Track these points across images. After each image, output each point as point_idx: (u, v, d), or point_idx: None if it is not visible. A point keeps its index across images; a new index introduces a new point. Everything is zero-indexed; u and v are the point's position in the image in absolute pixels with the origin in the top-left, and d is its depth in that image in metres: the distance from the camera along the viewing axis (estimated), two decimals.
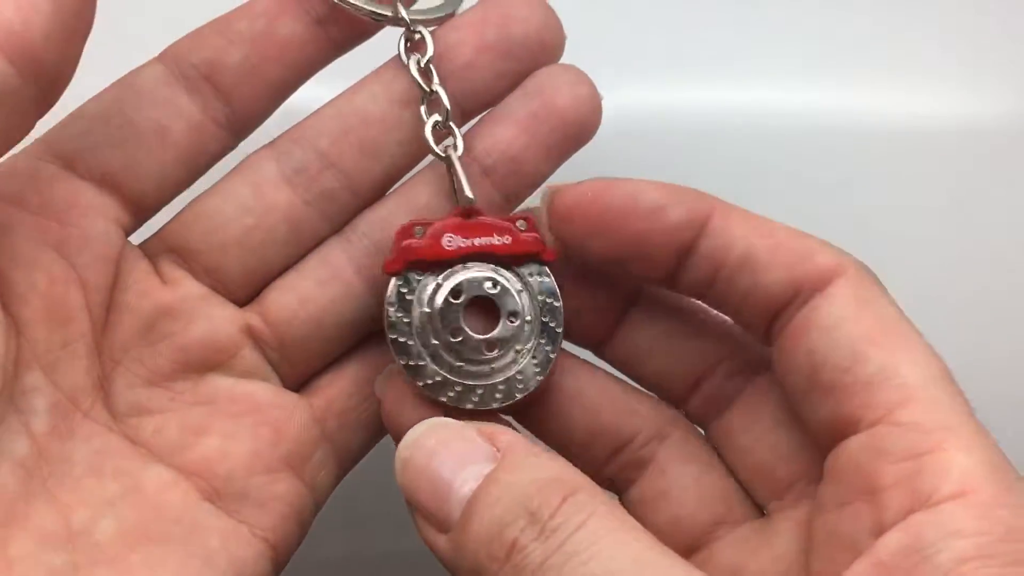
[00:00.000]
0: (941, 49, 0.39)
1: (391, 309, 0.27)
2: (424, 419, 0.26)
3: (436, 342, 0.27)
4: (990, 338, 0.39)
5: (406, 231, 0.27)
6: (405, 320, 0.27)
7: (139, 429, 0.28)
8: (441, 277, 0.27)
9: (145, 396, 0.28)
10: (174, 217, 0.29)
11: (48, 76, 0.24)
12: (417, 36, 0.28)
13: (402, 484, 0.25)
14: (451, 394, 0.27)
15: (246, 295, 0.29)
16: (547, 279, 0.28)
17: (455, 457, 0.25)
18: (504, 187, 0.29)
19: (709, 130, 0.38)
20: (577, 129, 0.29)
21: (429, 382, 0.27)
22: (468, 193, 0.28)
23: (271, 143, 0.29)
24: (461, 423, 0.26)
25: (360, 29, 0.29)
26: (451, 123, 0.28)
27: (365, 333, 0.30)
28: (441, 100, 0.28)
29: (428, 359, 0.27)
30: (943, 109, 0.39)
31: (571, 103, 0.28)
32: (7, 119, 0.23)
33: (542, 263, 0.28)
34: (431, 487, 0.24)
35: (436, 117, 0.28)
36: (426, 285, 0.27)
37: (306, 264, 0.29)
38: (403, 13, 0.28)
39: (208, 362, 0.29)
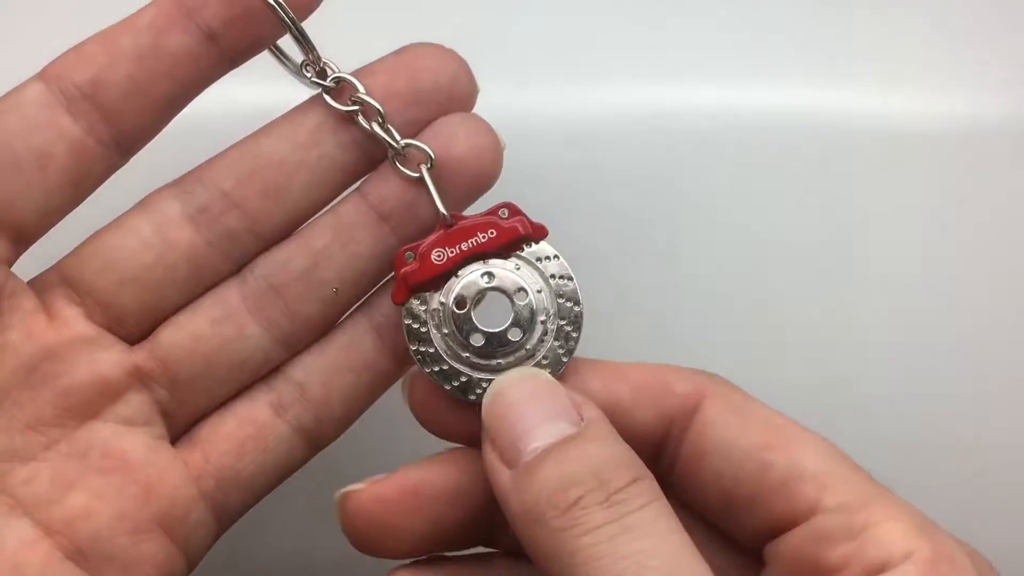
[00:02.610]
0: (941, 49, 0.39)
1: (405, 316, 0.28)
2: (449, 411, 0.28)
3: (447, 331, 0.28)
4: (991, 338, 0.39)
5: (400, 260, 0.28)
6: (421, 308, 0.28)
7: (8, 476, 0.27)
8: (442, 293, 0.28)
9: (20, 442, 0.27)
10: (72, 251, 0.28)
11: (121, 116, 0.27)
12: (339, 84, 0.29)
13: (486, 410, 0.26)
14: (456, 383, 0.28)
15: (140, 333, 0.29)
16: (570, 282, 0.28)
17: (544, 409, 0.26)
18: (401, 233, 0.29)
19: (708, 130, 0.38)
20: (473, 179, 0.29)
21: (436, 369, 0.28)
22: (441, 209, 0.28)
23: (176, 181, 0.29)
24: (559, 383, 0.27)
25: (254, 41, 0.28)
26: (413, 140, 0.29)
27: (253, 377, 0.29)
28: (420, 149, 0.28)
29: (439, 347, 0.28)
30: (943, 109, 0.39)
31: (467, 152, 0.28)
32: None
33: (536, 243, 0.28)
34: (513, 423, 0.26)
35: (394, 144, 0.29)
36: (432, 303, 0.28)
37: (201, 303, 0.29)
38: (332, 69, 0.29)
39: (91, 407, 0.28)
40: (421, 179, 0.28)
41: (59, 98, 0.27)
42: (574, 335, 0.28)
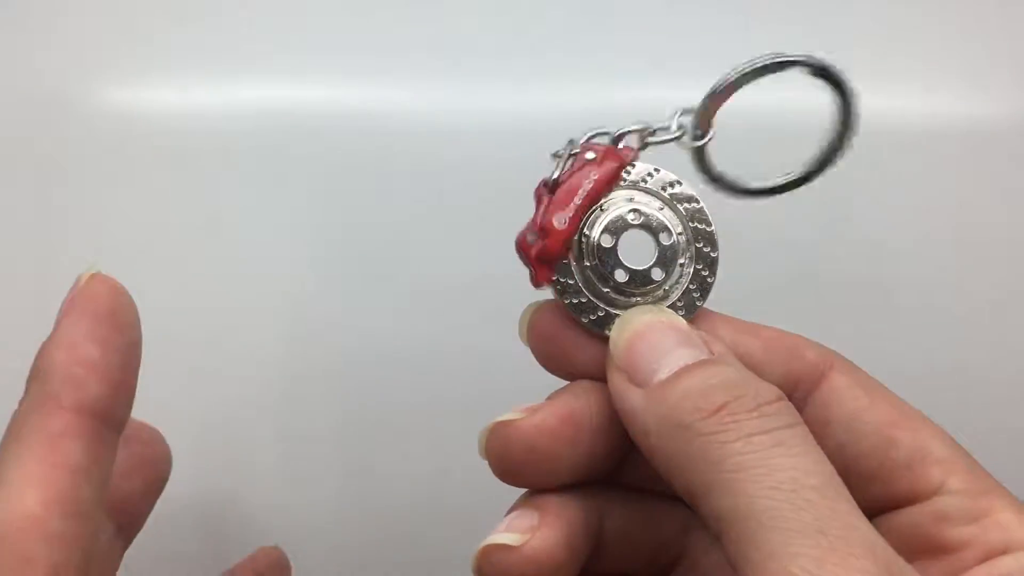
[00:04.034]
0: (941, 49, 0.39)
1: (560, 295, 0.27)
2: (573, 342, 0.27)
3: (588, 264, 0.27)
4: (990, 338, 0.39)
5: (523, 245, 0.27)
6: (564, 261, 0.27)
7: None
8: (586, 225, 0.27)
9: None
10: None
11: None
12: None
13: (615, 338, 0.26)
14: (592, 317, 0.27)
15: None
16: (694, 204, 0.28)
17: (675, 337, 0.25)
18: None
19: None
20: None
21: (575, 302, 0.27)
22: (555, 174, 0.28)
23: None
24: (685, 322, 0.26)
25: None
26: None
27: None
28: None
29: (579, 279, 0.27)
30: (943, 109, 0.38)
31: None
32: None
33: (630, 164, 0.28)
34: (644, 350, 0.25)
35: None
36: (572, 264, 0.27)
37: None
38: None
39: None
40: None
41: None
42: (709, 280, 0.28)
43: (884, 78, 0.39)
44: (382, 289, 0.39)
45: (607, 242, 0.27)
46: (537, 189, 0.28)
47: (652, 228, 0.27)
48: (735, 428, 0.23)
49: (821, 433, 0.26)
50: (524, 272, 0.28)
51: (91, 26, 0.38)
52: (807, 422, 0.26)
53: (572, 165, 0.28)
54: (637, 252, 0.27)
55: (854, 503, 0.22)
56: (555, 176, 0.27)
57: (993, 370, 0.39)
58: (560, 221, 0.27)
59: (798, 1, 0.39)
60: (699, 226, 0.28)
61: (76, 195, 0.38)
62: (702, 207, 0.28)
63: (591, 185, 0.27)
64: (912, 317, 0.39)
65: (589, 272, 0.27)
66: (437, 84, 0.38)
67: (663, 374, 0.24)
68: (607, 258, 0.27)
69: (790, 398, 0.26)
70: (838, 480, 0.22)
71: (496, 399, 0.27)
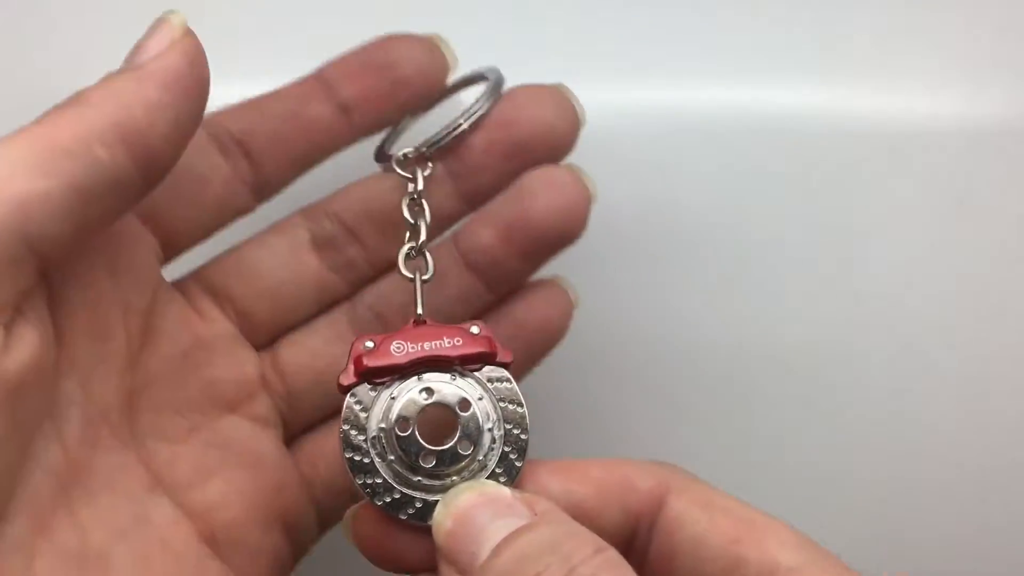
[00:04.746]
0: (941, 49, 0.39)
1: (347, 427, 0.27)
2: (401, 542, 0.27)
3: (392, 457, 0.27)
4: (991, 338, 0.39)
5: (357, 344, 0.27)
6: (361, 438, 0.27)
7: (155, 455, 0.28)
8: (394, 390, 0.27)
9: (168, 423, 0.29)
10: (211, 260, 0.31)
11: (159, 169, 0.26)
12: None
13: (436, 530, 0.25)
14: (411, 511, 0.26)
15: (264, 343, 0.31)
16: (508, 384, 0.27)
17: (493, 509, 0.25)
18: (489, 281, 0.31)
19: (708, 130, 0.38)
20: (554, 238, 0.31)
21: (388, 500, 0.26)
22: (418, 311, 0.29)
23: (304, 210, 0.32)
24: (506, 488, 0.26)
25: (382, 119, 0.32)
26: (424, 251, 0.30)
27: None
28: (419, 231, 0.30)
29: (386, 475, 0.27)
30: (943, 109, 0.38)
31: (548, 213, 0.30)
32: (118, 203, 0.26)
33: (498, 365, 0.27)
34: (464, 530, 0.24)
35: (410, 244, 0.30)
36: (378, 401, 0.27)
37: (317, 324, 0.31)
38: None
39: (230, 400, 0.30)
40: (413, 282, 0.29)
41: (212, 140, 0.30)
42: (523, 437, 0.27)
43: (884, 78, 0.39)
44: None
45: (404, 430, 0.27)
46: (412, 319, 0.28)
47: (447, 403, 0.27)
48: None
49: (671, 564, 0.26)
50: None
51: (91, 26, 0.38)
52: (655, 555, 0.26)
53: (455, 325, 0.28)
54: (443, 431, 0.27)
55: None
56: (424, 318, 0.28)
57: (993, 370, 0.39)
58: (398, 349, 0.27)
59: (797, 2, 0.39)
60: (499, 385, 0.27)
61: None
62: (492, 355, 0.27)
63: (446, 345, 0.27)
64: (912, 317, 0.39)
65: (396, 466, 0.27)
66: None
67: (484, 555, 0.23)
68: (408, 446, 0.26)
69: (635, 535, 0.26)
70: None
71: None
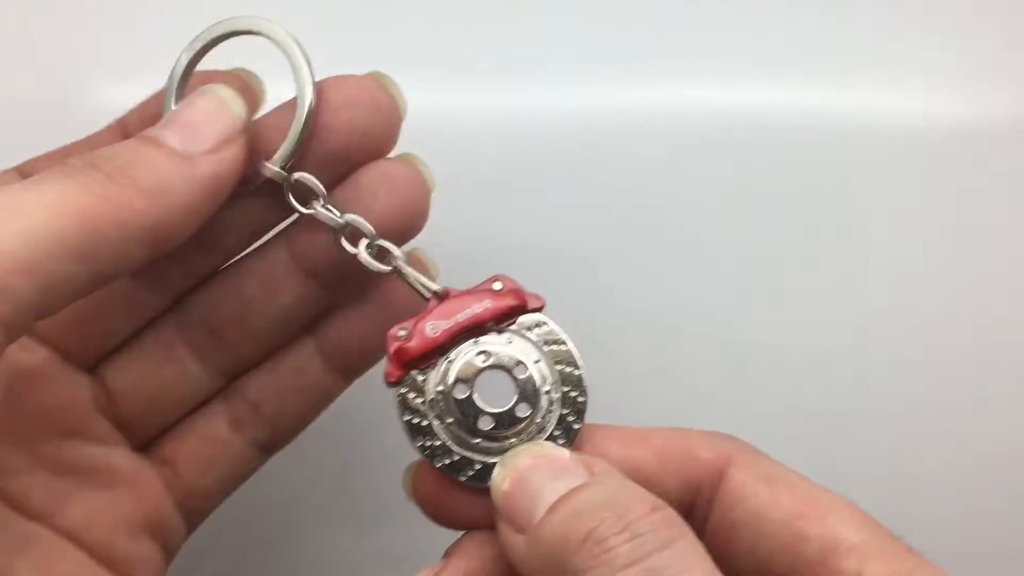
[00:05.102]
0: (941, 49, 0.39)
1: (404, 390, 0.27)
2: (460, 500, 0.27)
3: (451, 420, 0.27)
4: (991, 337, 0.39)
5: (392, 338, 0.27)
6: (419, 400, 0.27)
7: (7, 490, 0.27)
8: (439, 382, 0.27)
9: (9, 458, 0.27)
10: None
11: (168, 249, 0.25)
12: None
13: (495, 490, 0.25)
14: (470, 473, 0.27)
15: (87, 365, 0.29)
16: (564, 346, 0.27)
17: (551, 470, 0.25)
18: (327, 284, 0.29)
19: (708, 130, 0.38)
20: (396, 237, 0.28)
21: (447, 462, 0.27)
22: (432, 287, 0.28)
23: None
24: (564, 449, 0.26)
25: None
26: (380, 241, 0.28)
27: (201, 402, 0.30)
28: (360, 225, 0.28)
29: (445, 438, 0.27)
30: (943, 109, 0.38)
31: (388, 214, 0.28)
32: (120, 273, 0.25)
33: (532, 312, 0.27)
34: (521, 490, 0.24)
35: (364, 241, 0.28)
36: (429, 393, 0.27)
37: (142, 342, 0.29)
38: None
39: (68, 427, 0.28)
40: (399, 273, 0.28)
41: None
42: (580, 400, 0.27)
43: (884, 78, 0.39)
44: None
45: (462, 393, 0.27)
46: (431, 297, 0.28)
47: (504, 365, 0.27)
48: (607, 561, 0.21)
49: (730, 537, 0.25)
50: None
51: (91, 26, 0.38)
52: (715, 526, 0.25)
53: (476, 287, 0.27)
54: (501, 392, 0.27)
55: None
56: (444, 289, 0.27)
57: (993, 370, 0.39)
58: (432, 329, 0.27)
59: (797, 2, 0.39)
60: (555, 347, 0.27)
61: None
62: (552, 328, 0.27)
63: (479, 311, 0.27)
64: (913, 316, 0.39)
65: (454, 428, 0.27)
66: (438, 84, 0.38)
67: (540, 513, 0.23)
68: (467, 409, 0.26)
69: (694, 504, 0.26)
70: None
71: None
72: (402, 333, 0.27)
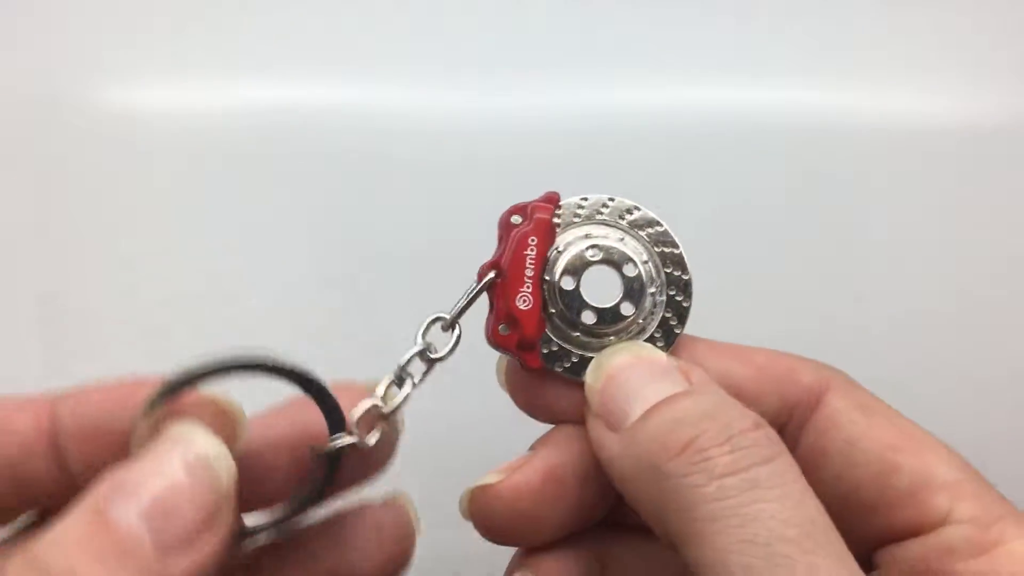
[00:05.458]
0: (941, 49, 0.39)
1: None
2: (551, 391, 0.25)
3: (554, 311, 0.26)
4: (991, 336, 0.39)
5: (498, 337, 0.25)
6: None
7: None
8: (546, 271, 0.26)
9: None
10: None
11: None
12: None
13: (589, 384, 0.24)
14: (567, 364, 0.26)
15: None
16: (675, 249, 0.26)
17: (649, 372, 0.24)
18: None
19: (708, 130, 0.38)
20: None
21: (546, 351, 0.26)
22: (481, 284, 0.26)
23: None
24: (662, 352, 0.25)
25: None
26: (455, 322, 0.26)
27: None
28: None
29: (562, 343, 0.26)
30: (943, 109, 0.38)
31: (373, 566, 0.25)
32: None
33: (627, 207, 0.26)
34: (617, 388, 0.24)
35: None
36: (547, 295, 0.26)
37: None
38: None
39: None
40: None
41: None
42: (684, 304, 0.26)
43: (884, 78, 0.39)
44: (383, 290, 0.39)
45: (568, 284, 0.26)
46: (481, 271, 0.26)
47: (614, 261, 0.26)
48: (706, 469, 0.21)
49: (819, 463, 0.24)
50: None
51: (91, 26, 0.38)
52: (805, 450, 0.25)
53: (506, 240, 0.26)
54: (606, 287, 0.26)
55: (840, 551, 0.20)
56: (496, 259, 0.25)
57: (993, 370, 0.39)
58: (523, 302, 0.25)
59: (797, 2, 0.39)
60: (666, 250, 0.26)
61: (76, 195, 0.38)
62: (665, 229, 0.26)
63: (533, 250, 0.25)
64: (912, 315, 0.39)
65: (556, 319, 0.26)
66: (438, 83, 0.38)
67: (636, 415, 0.23)
68: (571, 301, 0.25)
69: (786, 426, 0.25)
70: (823, 523, 0.21)
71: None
72: (503, 328, 0.25)
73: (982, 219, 0.38)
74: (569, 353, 0.25)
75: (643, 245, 0.26)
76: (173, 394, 0.21)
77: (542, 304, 0.25)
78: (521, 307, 0.25)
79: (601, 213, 0.26)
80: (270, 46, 0.38)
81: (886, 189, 0.38)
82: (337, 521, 0.25)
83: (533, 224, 0.25)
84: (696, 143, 0.38)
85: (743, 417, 0.22)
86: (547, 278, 0.25)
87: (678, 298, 0.26)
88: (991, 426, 0.39)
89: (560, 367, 0.25)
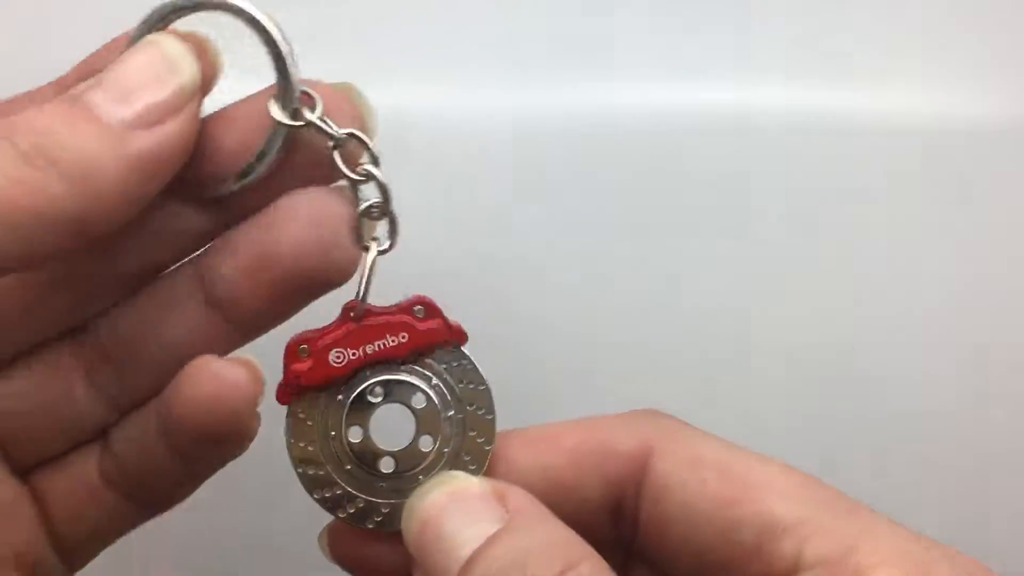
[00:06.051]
0: (942, 49, 0.39)
1: (293, 440, 0.24)
2: (379, 552, 0.25)
3: (349, 467, 0.25)
4: (991, 337, 0.39)
5: (291, 353, 0.24)
6: (310, 449, 0.24)
7: None
8: (331, 427, 0.24)
9: None
10: None
11: (93, 240, 0.22)
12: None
13: (407, 536, 0.24)
14: (378, 519, 0.24)
15: None
16: (466, 362, 0.25)
17: (463, 514, 0.23)
18: (238, 323, 0.25)
19: (708, 130, 0.38)
20: (306, 281, 0.24)
21: (352, 511, 0.24)
22: (361, 293, 0.24)
23: None
24: (477, 479, 0.24)
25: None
26: (389, 212, 0.24)
27: (82, 435, 0.26)
28: (377, 179, 0.24)
29: (347, 485, 0.25)
30: (944, 109, 0.38)
31: (295, 251, 0.24)
32: (30, 266, 0.23)
33: (452, 347, 0.25)
34: (433, 539, 0.23)
35: (370, 202, 0.24)
36: (325, 407, 0.25)
37: (33, 361, 0.26)
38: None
39: None
40: (364, 251, 0.24)
41: None
42: (489, 417, 0.25)
43: (884, 78, 0.39)
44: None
45: (356, 436, 0.24)
46: (348, 304, 0.24)
47: (400, 396, 0.24)
48: None
49: (663, 531, 0.24)
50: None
51: (91, 26, 0.38)
52: (646, 520, 0.24)
53: (395, 306, 0.25)
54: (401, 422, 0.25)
55: None
56: (365, 304, 0.24)
57: (993, 370, 0.39)
58: (338, 358, 0.24)
59: (798, 2, 0.39)
60: (455, 365, 0.25)
61: None
62: (444, 340, 0.25)
63: (393, 344, 0.24)
64: (912, 316, 0.39)
65: (355, 473, 0.24)
66: (437, 83, 0.38)
67: (454, 569, 0.22)
68: (365, 453, 0.24)
69: (622, 502, 0.24)
70: None
71: None
72: (303, 351, 0.24)
73: (983, 219, 0.39)
74: (378, 506, 0.24)
75: (429, 369, 0.25)
76: (152, 26, 0.23)
77: (343, 377, 0.24)
78: (331, 360, 0.24)
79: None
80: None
81: (886, 189, 0.39)
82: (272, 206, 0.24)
83: (422, 330, 0.24)
84: (695, 143, 0.38)
85: (552, 561, 0.21)
86: (333, 434, 0.24)
87: (479, 411, 0.25)
88: (991, 426, 0.39)
89: (371, 523, 0.24)
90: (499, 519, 0.22)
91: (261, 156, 0.24)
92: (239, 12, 0.24)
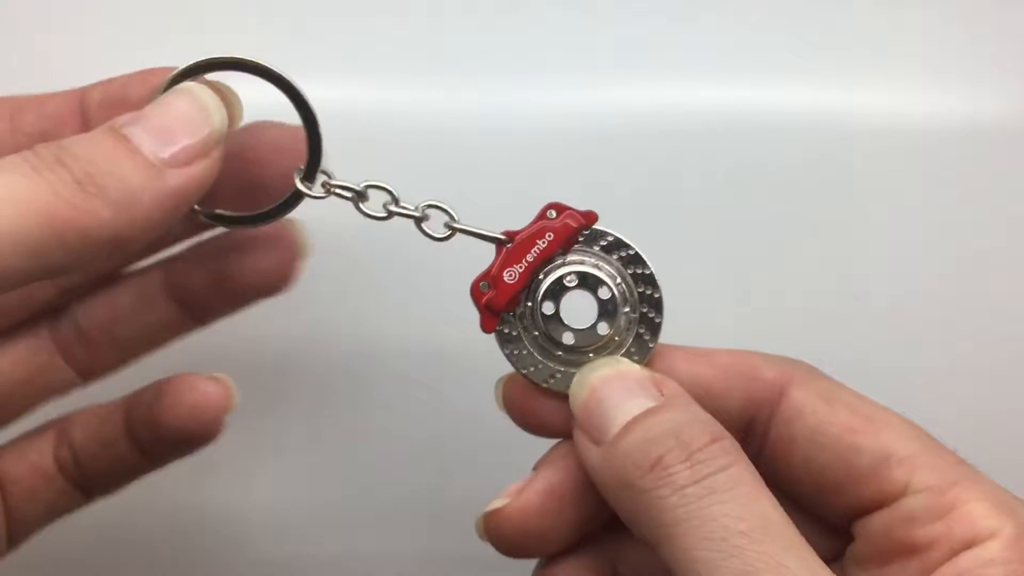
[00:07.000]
0: (941, 49, 0.39)
1: (501, 336, 0.29)
2: (544, 408, 0.29)
3: (536, 333, 0.29)
4: (991, 337, 0.39)
5: (476, 291, 0.29)
6: (513, 334, 0.29)
7: None
8: (528, 297, 0.29)
9: None
10: None
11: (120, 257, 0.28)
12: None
13: (573, 399, 0.27)
14: (551, 380, 0.29)
15: None
16: (646, 269, 0.29)
17: (625, 387, 0.27)
18: (198, 316, 0.31)
19: (708, 130, 0.38)
20: (264, 293, 0.31)
21: (532, 369, 0.29)
22: (494, 235, 0.29)
23: None
24: (638, 366, 0.28)
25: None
26: (436, 204, 0.29)
27: (45, 398, 0.31)
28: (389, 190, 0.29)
29: (531, 347, 0.29)
30: (943, 109, 0.38)
31: (257, 277, 0.31)
32: (64, 272, 0.25)
33: (589, 229, 0.29)
34: (597, 405, 0.27)
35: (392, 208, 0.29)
36: (519, 307, 0.29)
37: (21, 328, 0.31)
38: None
39: None
40: (449, 237, 0.29)
41: None
42: (656, 320, 0.29)
43: (884, 78, 0.39)
44: (371, 289, 0.39)
45: (548, 309, 0.29)
46: (504, 232, 0.29)
47: (589, 285, 0.29)
48: (670, 482, 0.24)
49: (788, 449, 0.27)
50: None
51: (91, 26, 0.38)
52: (774, 439, 0.28)
53: (534, 222, 0.29)
54: (586, 308, 0.29)
55: (790, 541, 0.23)
56: (516, 232, 0.29)
57: (993, 370, 0.39)
58: (510, 275, 0.29)
59: (799, 1, 0.39)
60: (637, 271, 0.29)
61: None
62: (636, 252, 0.29)
63: (544, 245, 0.29)
64: (912, 316, 0.39)
65: (540, 340, 0.29)
66: (437, 83, 0.38)
67: (613, 430, 0.26)
68: (552, 324, 0.29)
69: (755, 419, 0.28)
70: (775, 518, 0.24)
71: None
72: (484, 285, 0.28)
73: (982, 219, 0.39)
74: (553, 371, 0.29)
75: (615, 268, 0.29)
76: (188, 76, 0.27)
77: (524, 287, 0.29)
78: (506, 278, 0.28)
79: (578, 241, 0.29)
80: (270, 45, 0.38)
81: (886, 189, 0.39)
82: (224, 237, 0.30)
83: (559, 225, 0.28)
84: (695, 143, 0.38)
85: (701, 433, 0.25)
86: (529, 304, 0.29)
87: (650, 315, 0.29)
88: (991, 426, 0.39)
89: (546, 383, 0.29)
90: (655, 399, 0.26)
91: (267, 216, 0.29)
92: (287, 87, 0.28)
